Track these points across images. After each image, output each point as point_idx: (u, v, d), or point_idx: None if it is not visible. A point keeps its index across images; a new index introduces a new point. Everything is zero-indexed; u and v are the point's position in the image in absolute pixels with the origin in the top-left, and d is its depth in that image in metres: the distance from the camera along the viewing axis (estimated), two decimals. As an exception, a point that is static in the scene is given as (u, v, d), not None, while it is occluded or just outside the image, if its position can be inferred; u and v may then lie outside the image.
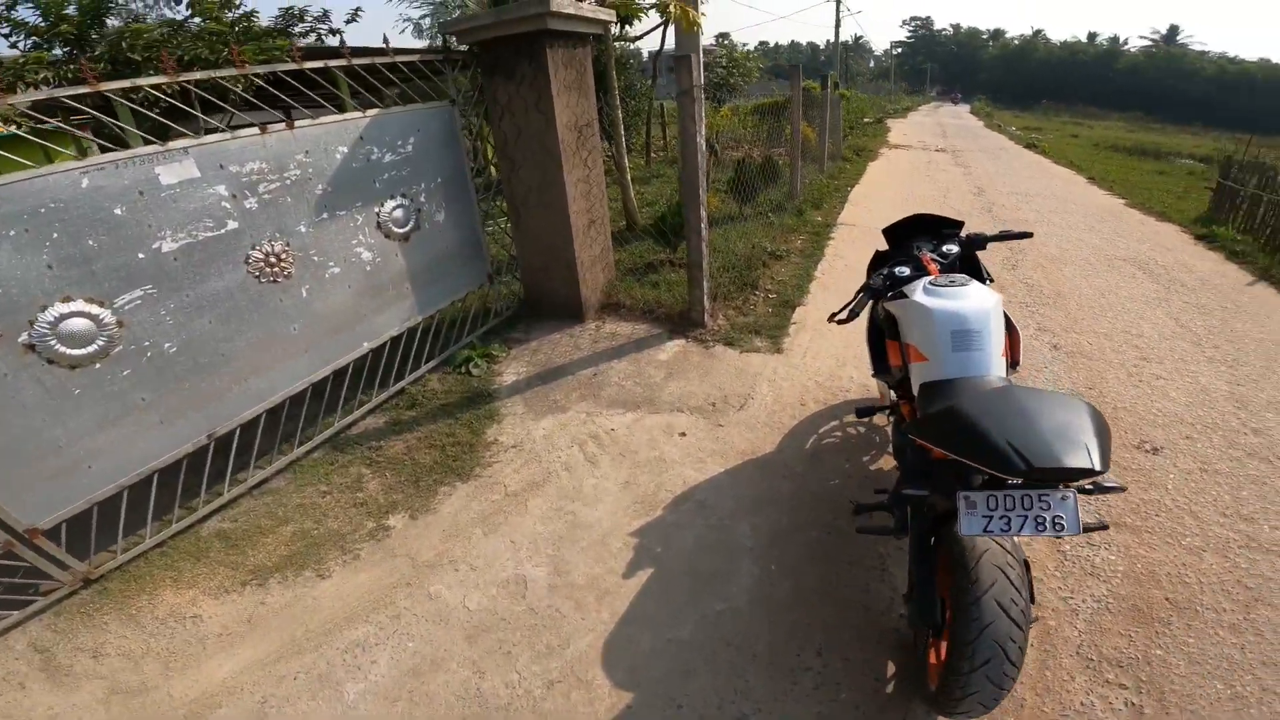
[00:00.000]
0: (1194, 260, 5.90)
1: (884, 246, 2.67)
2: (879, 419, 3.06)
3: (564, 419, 3.29)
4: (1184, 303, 4.71)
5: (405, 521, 2.66)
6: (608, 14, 3.97)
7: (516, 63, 3.65)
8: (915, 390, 1.94)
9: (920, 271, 2.29)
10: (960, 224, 2.53)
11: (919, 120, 28.26)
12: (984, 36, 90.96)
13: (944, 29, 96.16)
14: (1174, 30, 78.26)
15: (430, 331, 3.77)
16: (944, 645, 1.59)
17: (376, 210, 3.37)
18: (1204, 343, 4.01)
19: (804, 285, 4.91)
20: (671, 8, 3.53)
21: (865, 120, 20.70)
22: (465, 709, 1.87)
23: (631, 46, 10.13)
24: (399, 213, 3.51)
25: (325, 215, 3.09)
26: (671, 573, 2.32)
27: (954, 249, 2.40)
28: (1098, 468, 1.28)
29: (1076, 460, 1.29)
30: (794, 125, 7.12)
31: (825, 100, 9.27)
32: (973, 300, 1.89)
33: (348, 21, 7.34)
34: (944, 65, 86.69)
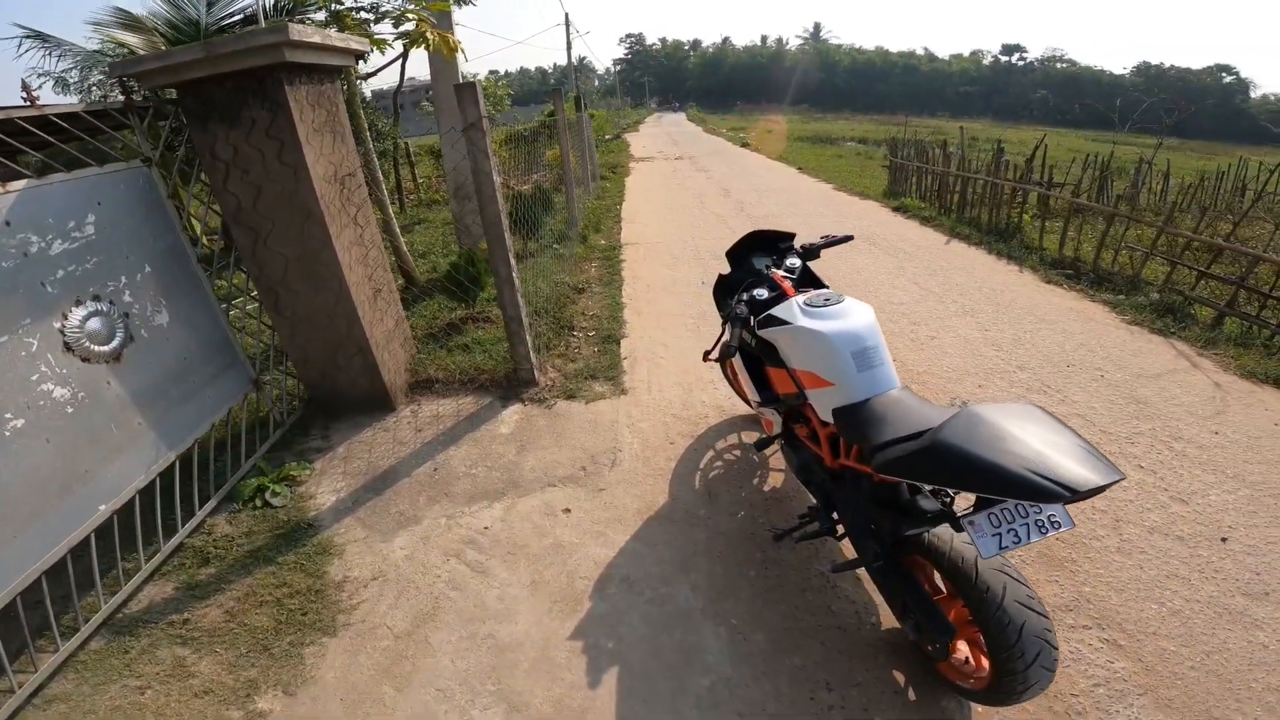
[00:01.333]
0: (902, 230, 7.22)
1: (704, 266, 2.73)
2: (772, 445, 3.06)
3: (421, 531, 2.70)
4: (915, 268, 5.68)
5: (282, 700, 1.96)
6: (361, 42, 3.33)
7: (242, 106, 2.82)
8: (824, 416, 1.92)
9: (776, 291, 2.27)
10: (793, 235, 2.60)
11: (650, 131, 30.92)
12: (686, 48, 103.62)
13: (654, 43, 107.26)
14: (818, 27, 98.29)
15: (194, 463, 2.83)
16: (962, 645, 1.74)
17: (58, 325, 2.35)
18: (945, 299, 4.85)
19: (617, 315, 4.81)
20: (429, 35, 3.09)
21: (607, 137, 21.88)
22: None
23: (362, 84, 9.18)
24: (95, 324, 2.49)
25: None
26: (638, 664, 2.03)
27: (796, 263, 2.44)
28: (1122, 475, 1.31)
29: (1109, 475, 1.29)
30: (563, 150, 7.06)
31: (580, 121, 9.41)
32: (858, 316, 1.90)
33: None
34: (658, 77, 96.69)
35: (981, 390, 3.48)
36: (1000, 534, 1.44)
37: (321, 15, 4.52)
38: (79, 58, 5.27)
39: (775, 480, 2.85)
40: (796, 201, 9.14)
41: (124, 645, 2.23)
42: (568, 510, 2.76)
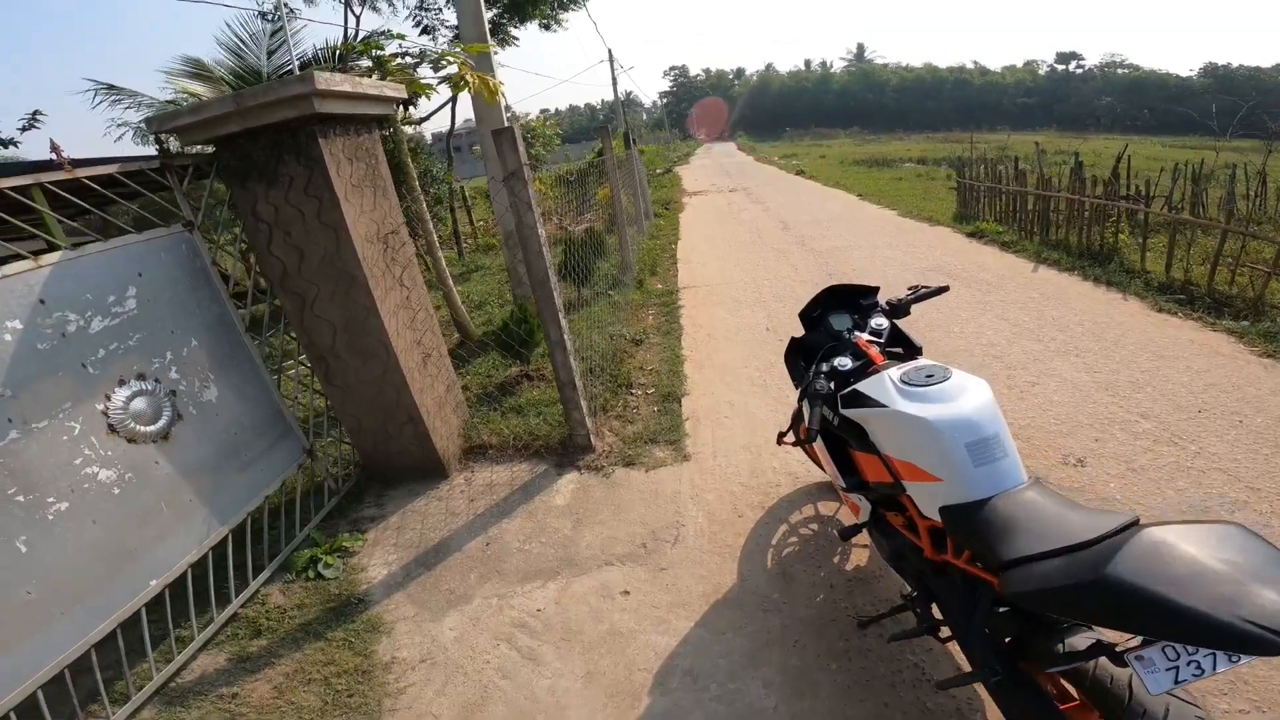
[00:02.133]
0: (981, 258, 6.68)
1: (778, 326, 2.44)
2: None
3: (472, 611, 2.53)
4: (1001, 301, 5.18)
5: None
6: (396, 89, 3.27)
7: (278, 162, 2.75)
8: (928, 513, 1.61)
9: (862, 360, 1.97)
10: (876, 290, 2.29)
11: (701, 164, 31.05)
12: (730, 77, 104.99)
13: (698, 74, 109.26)
14: (861, 48, 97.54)
15: (248, 534, 2.78)
16: None
17: (101, 407, 2.32)
18: (1042, 337, 4.34)
19: (677, 369, 4.54)
20: (469, 78, 3.02)
21: (659, 172, 22.05)
22: None
23: (414, 130, 9.42)
24: (140, 404, 2.46)
25: (8, 434, 2.03)
26: None
27: (883, 323, 2.13)
28: None
29: None
30: (614, 189, 6.95)
31: (629, 158, 9.38)
32: (972, 397, 1.57)
33: (24, 129, 5.69)
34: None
35: (1099, 445, 2.99)
36: (1178, 667, 1.09)
37: (366, 63, 4.53)
38: (152, 108, 5.51)
39: (860, 558, 2.49)
40: (861, 232, 8.71)
41: (174, 716, 2.21)
42: (626, 592, 2.51)
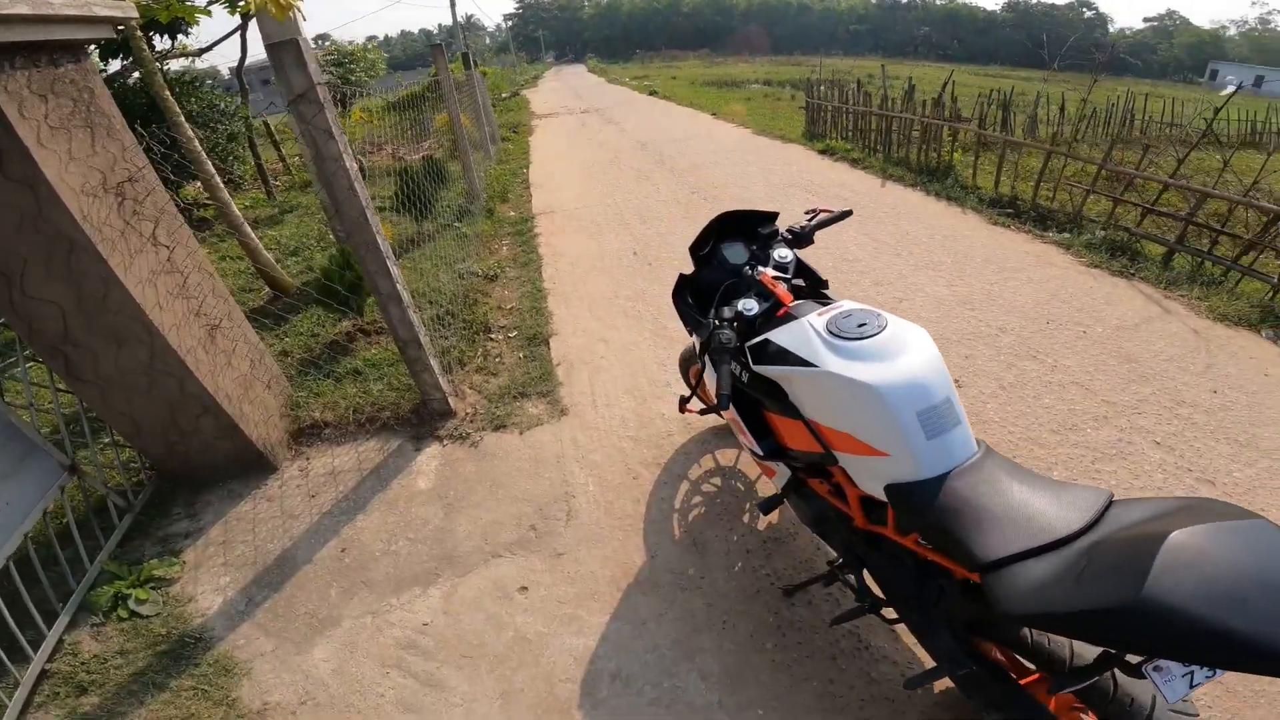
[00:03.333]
0: (836, 175, 6.78)
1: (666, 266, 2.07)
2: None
3: (344, 635, 2.06)
4: (859, 216, 5.23)
5: None
6: (115, 7, 2.30)
7: None
8: (870, 490, 1.36)
9: (770, 300, 1.65)
10: (775, 215, 1.96)
11: (551, 86, 28.98)
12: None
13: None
14: None
15: (18, 581, 2.04)
16: None
17: None
18: (900, 251, 4.43)
19: (540, 306, 4.04)
20: None
21: (504, 95, 20.21)
22: None
23: (194, 63, 7.65)
24: None
25: None
26: None
27: (788, 255, 1.80)
28: None
29: None
30: (453, 114, 6.03)
31: (471, 80, 8.26)
32: (916, 353, 1.31)
33: None
34: (553, 31, 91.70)
35: (969, 362, 3.07)
36: (1192, 672, 0.95)
37: None
38: None
39: (770, 515, 2.31)
40: (720, 150, 8.50)
41: None
42: (524, 589, 2.15)
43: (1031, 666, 1.32)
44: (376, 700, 1.87)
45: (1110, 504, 1.06)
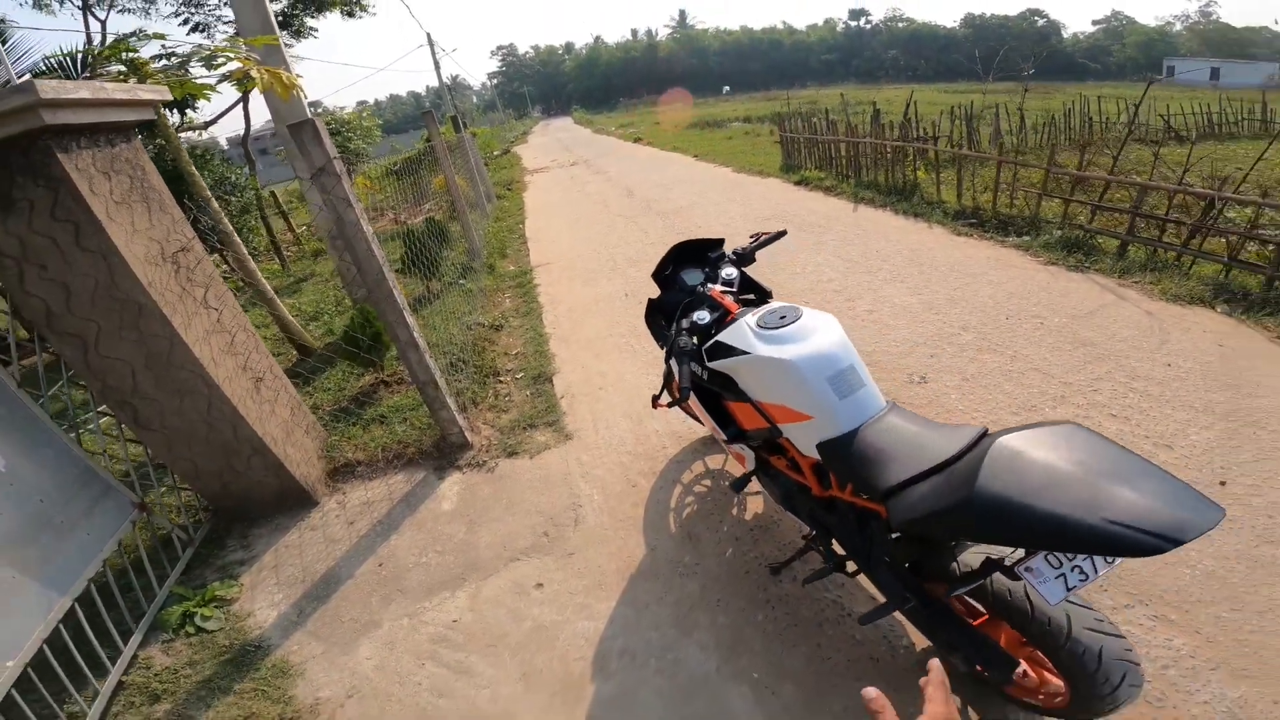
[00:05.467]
0: (810, 203, 7.23)
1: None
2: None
3: (384, 636, 2.35)
4: (832, 240, 5.65)
5: None
6: (154, 90, 2.76)
7: (11, 186, 2.22)
8: (807, 452, 1.68)
9: (719, 311, 2.02)
10: (721, 241, 2.36)
11: (539, 140, 30.27)
12: (560, 52, 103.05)
13: (527, 51, 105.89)
14: (684, 14, 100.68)
15: (99, 604, 2.37)
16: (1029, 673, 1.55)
17: None
18: (870, 268, 4.80)
19: (543, 349, 4.42)
20: (255, 74, 2.62)
21: (495, 154, 21.16)
22: None
23: (202, 135, 8.30)
24: None
25: None
26: None
27: (733, 272, 2.19)
28: (1223, 510, 1.03)
29: (1211, 516, 1.00)
30: (448, 176, 6.54)
31: (462, 142, 8.88)
32: (824, 333, 1.66)
33: None
34: (536, 85, 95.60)
35: (935, 360, 3.39)
36: (1064, 575, 1.19)
37: (119, 67, 3.92)
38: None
39: (755, 506, 2.61)
40: (702, 190, 9.02)
41: None
42: (540, 585, 2.43)
43: (981, 608, 1.58)
44: (414, 688, 2.13)
45: (984, 435, 1.36)
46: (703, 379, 2.00)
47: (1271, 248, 3.61)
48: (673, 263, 2.36)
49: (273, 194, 10.62)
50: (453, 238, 7.43)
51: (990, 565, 1.36)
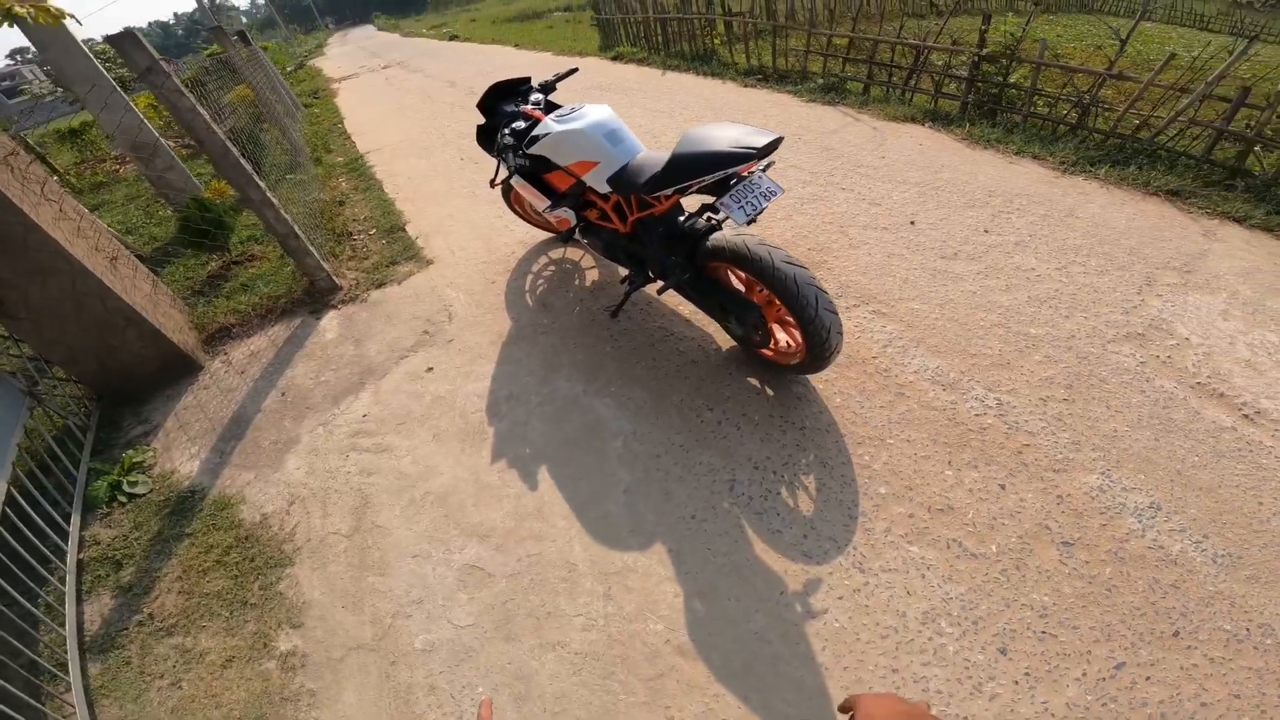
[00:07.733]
0: (624, 73, 7.77)
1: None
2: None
3: (306, 446, 2.67)
4: (643, 98, 6.31)
5: (296, 633, 2.00)
6: None
7: None
8: (603, 189, 2.43)
9: (531, 121, 2.69)
10: (529, 79, 3.02)
11: (339, 51, 26.86)
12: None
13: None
14: None
15: (20, 503, 2.32)
16: (777, 335, 2.31)
17: None
18: (673, 115, 5.56)
19: (390, 209, 4.75)
20: (18, 9, 2.72)
21: (288, 70, 18.77)
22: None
23: None
24: None
25: None
26: (557, 453, 2.36)
27: (539, 97, 2.89)
28: (780, 135, 1.93)
29: (771, 135, 1.91)
30: (256, 84, 6.22)
31: (254, 55, 8.16)
32: (598, 111, 2.43)
33: None
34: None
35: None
36: (743, 207, 1.97)
37: None
38: None
39: (593, 275, 3.35)
40: (525, 73, 9.08)
41: (121, 661, 2.04)
42: (430, 369, 2.93)
43: (737, 284, 2.40)
44: (346, 477, 2.46)
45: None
46: (526, 165, 2.69)
47: (963, 83, 4.84)
48: (493, 97, 2.99)
49: (24, 140, 9.03)
50: (266, 144, 7.07)
51: (712, 226, 2.23)
